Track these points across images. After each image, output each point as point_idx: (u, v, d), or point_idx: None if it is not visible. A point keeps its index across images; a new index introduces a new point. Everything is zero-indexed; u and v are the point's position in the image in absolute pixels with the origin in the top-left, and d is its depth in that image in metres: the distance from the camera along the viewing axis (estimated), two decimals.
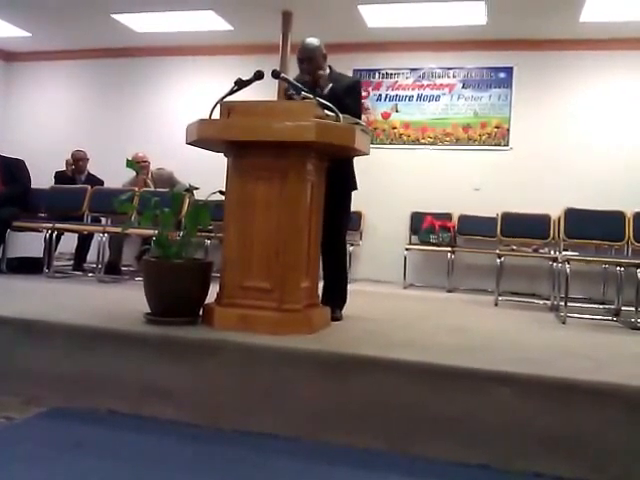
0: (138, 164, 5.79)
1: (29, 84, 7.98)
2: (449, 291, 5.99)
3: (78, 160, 6.30)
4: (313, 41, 3.31)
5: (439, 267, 6.31)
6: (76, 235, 5.70)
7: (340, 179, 3.20)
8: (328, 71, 3.35)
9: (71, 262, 5.88)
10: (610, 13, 5.62)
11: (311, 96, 2.95)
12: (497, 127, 6.60)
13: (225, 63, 6.84)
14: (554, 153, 6.35)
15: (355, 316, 3.47)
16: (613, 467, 2.08)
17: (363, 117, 3.38)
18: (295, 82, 3.09)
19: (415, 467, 2.13)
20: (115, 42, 7.26)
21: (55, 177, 6.21)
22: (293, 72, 3.60)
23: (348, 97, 3.23)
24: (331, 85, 3.28)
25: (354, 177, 3.44)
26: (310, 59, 3.28)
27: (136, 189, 5.03)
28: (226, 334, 2.60)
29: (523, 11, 5.73)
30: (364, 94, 6.90)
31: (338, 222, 3.26)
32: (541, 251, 5.65)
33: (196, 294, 2.88)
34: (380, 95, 6.93)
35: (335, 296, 3.25)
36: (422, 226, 6.36)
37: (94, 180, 6.23)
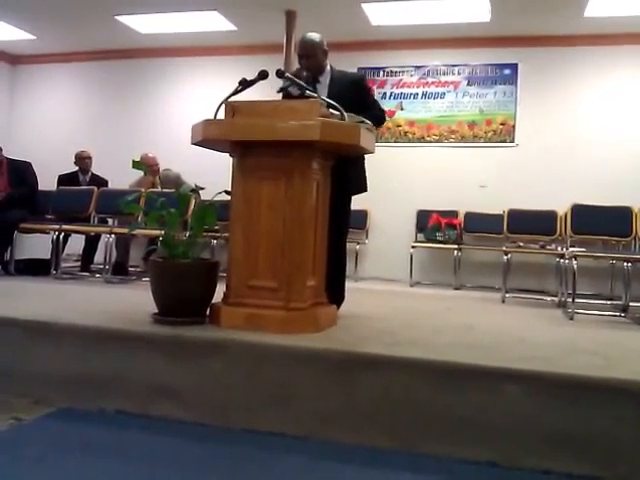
0: (150, 167, 5.89)
1: (34, 87, 8.01)
2: (456, 289, 5.97)
3: (82, 159, 6.33)
4: (313, 37, 3.27)
5: (445, 265, 6.29)
6: (83, 236, 5.72)
7: (347, 180, 3.19)
8: (329, 68, 3.35)
9: (78, 263, 5.90)
10: (615, 8, 5.59)
11: (315, 95, 2.95)
12: (502, 124, 6.58)
13: (229, 63, 6.85)
14: (560, 149, 6.32)
15: (362, 314, 3.47)
16: (622, 464, 2.07)
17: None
18: (299, 81, 3.09)
19: (423, 465, 2.12)
20: (119, 44, 7.28)
21: (58, 181, 6.22)
22: None
23: (364, 96, 3.26)
24: (330, 79, 3.28)
25: (364, 178, 3.41)
26: (309, 56, 3.26)
27: (143, 190, 5.05)
28: (233, 333, 2.60)
29: (527, 7, 5.71)
30: None
31: (342, 221, 3.25)
32: (548, 247, 5.63)
33: (203, 294, 2.88)
34: (385, 93, 6.91)
35: (335, 294, 3.23)
36: (428, 224, 6.34)
37: (98, 180, 6.26)
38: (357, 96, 3.11)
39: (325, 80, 3.29)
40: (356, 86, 3.30)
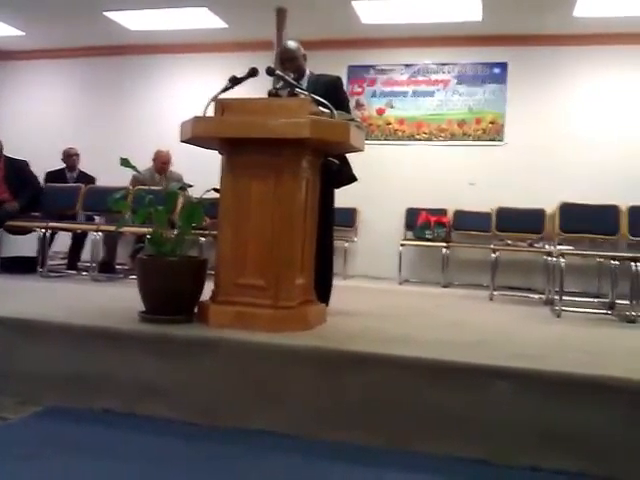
0: (164, 165, 6.18)
1: (22, 83, 7.93)
2: (444, 286, 6.00)
3: (70, 156, 6.29)
4: (293, 43, 3.47)
5: (434, 263, 6.31)
6: (70, 234, 5.67)
7: (331, 174, 3.19)
8: (308, 73, 3.43)
9: (65, 261, 5.86)
10: (604, 8, 5.63)
11: (306, 92, 2.94)
12: (492, 122, 6.61)
13: (219, 60, 6.81)
14: (548, 148, 6.36)
15: (351, 312, 3.48)
16: (611, 460, 2.08)
17: (357, 113, 3.41)
18: (290, 79, 3.08)
19: (413, 463, 2.13)
20: (109, 40, 7.22)
21: (46, 178, 6.18)
22: None
23: (340, 99, 3.27)
24: (307, 82, 3.33)
25: (349, 168, 3.41)
26: (292, 59, 3.39)
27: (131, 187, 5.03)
28: (221, 332, 2.59)
29: (517, 6, 5.73)
30: (359, 90, 6.91)
31: (327, 215, 3.25)
32: (536, 245, 5.67)
33: (191, 292, 2.87)
34: (375, 91, 6.92)
35: (323, 290, 3.23)
36: (417, 222, 6.36)
37: (86, 177, 6.23)
38: (332, 98, 3.11)
39: (303, 84, 3.33)
40: (331, 88, 3.33)
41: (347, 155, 3.37)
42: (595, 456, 2.10)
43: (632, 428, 2.09)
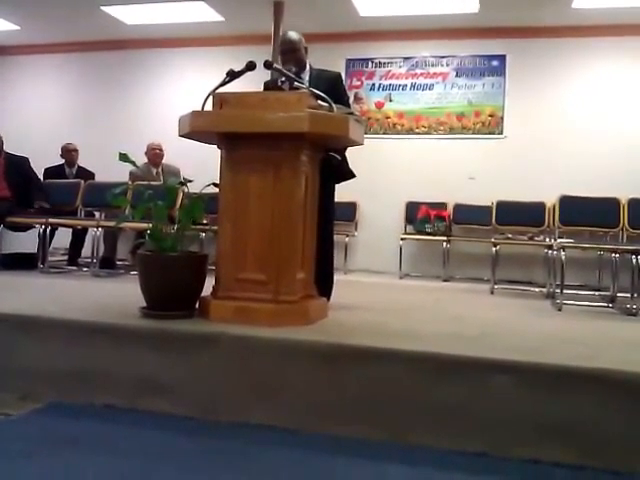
0: (156, 156, 6.16)
1: (19, 78, 7.91)
2: (445, 280, 5.99)
3: (69, 152, 6.28)
4: (295, 34, 3.38)
5: (435, 257, 6.31)
6: (70, 230, 5.67)
7: (330, 169, 3.18)
8: (308, 66, 3.40)
9: (65, 257, 5.85)
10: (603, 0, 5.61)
11: (304, 85, 2.93)
12: (491, 115, 6.59)
13: (217, 54, 6.79)
14: (548, 141, 6.34)
15: (352, 307, 3.47)
16: (611, 452, 2.08)
17: (356, 107, 3.39)
18: (288, 72, 3.07)
19: (414, 456, 2.13)
20: (105, 35, 7.20)
21: (44, 174, 6.17)
22: None
23: (341, 95, 3.26)
24: (308, 79, 3.31)
25: (347, 164, 3.41)
26: (293, 50, 3.33)
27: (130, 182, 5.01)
28: (222, 326, 2.59)
29: None
30: (357, 83, 6.89)
31: (327, 210, 3.24)
32: (536, 239, 5.67)
33: (191, 287, 2.86)
34: (373, 84, 6.90)
35: (324, 285, 3.23)
36: (417, 216, 6.35)
37: (85, 173, 6.22)
38: (333, 94, 3.11)
39: (305, 77, 3.32)
40: (333, 84, 3.32)
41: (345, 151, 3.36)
42: (594, 448, 2.10)
43: (631, 420, 2.09)
